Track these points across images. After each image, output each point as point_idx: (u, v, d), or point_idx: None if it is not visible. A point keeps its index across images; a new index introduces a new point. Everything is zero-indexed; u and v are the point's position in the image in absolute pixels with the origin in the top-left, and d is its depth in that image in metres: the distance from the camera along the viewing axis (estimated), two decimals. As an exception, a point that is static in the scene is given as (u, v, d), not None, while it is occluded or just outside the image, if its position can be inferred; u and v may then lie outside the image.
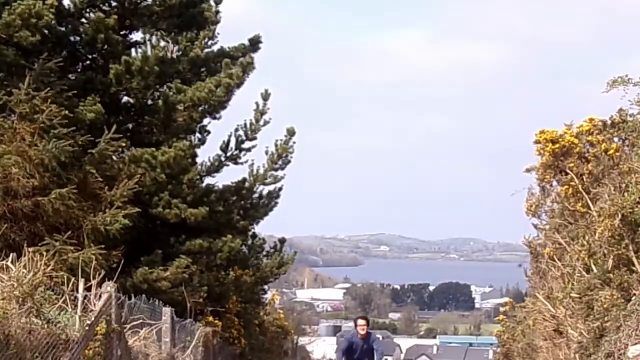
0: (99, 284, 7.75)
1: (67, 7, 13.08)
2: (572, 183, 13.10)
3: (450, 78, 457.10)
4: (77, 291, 7.34)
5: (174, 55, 16.37)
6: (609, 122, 13.32)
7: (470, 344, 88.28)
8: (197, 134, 16.39)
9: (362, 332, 12.55)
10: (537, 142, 13.63)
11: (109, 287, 7.76)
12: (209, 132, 16.66)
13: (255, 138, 16.45)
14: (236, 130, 16.32)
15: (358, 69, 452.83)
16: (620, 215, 9.11)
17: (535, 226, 15.93)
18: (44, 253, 7.31)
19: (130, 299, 9.55)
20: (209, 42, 18.29)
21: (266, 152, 16.85)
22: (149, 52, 14.14)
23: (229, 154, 16.36)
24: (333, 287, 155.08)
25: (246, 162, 16.54)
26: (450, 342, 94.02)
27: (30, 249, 7.19)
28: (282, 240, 20.05)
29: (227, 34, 18.54)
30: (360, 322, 12.86)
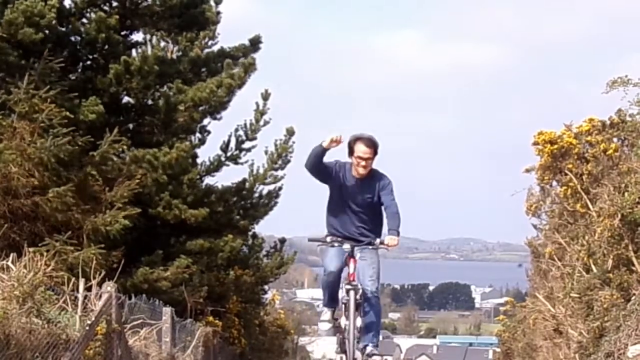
0: (99, 284, 7.75)
1: (68, 6, 13.09)
2: (571, 184, 13.08)
3: (450, 78, 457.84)
4: (78, 291, 7.34)
5: (174, 56, 16.38)
6: (608, 122, 13.30)
7: (470, 344, 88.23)
8: (198, 134, 16.41)
9: (363, 171, 6.74)
10: (535, 143, 13.60)
11: (109, 287, 7.76)
12: (209, 132, 16.69)
13: (255, 138, 16.46)
14: (236, 130, 16.33)
15: (358, 69, 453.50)
16: (619, 215, 9.10)
17: (535, 226, 15.95)
18: (44, 253, 7.29)
19: (130, 299, 9.56)
20: (209, 43, 18.33)
21: (266, 152, 16.88)
22: (148, 52, 14.15)
23: (229, 154, 16.36)
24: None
25: (246, 162, 16.58)
26: (450, 342, 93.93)
27: (31, 249, 7.18)
28: (282, 240, 20.03)
29: (225, 35, 18.59)
30: (362, 147, 6.65)
